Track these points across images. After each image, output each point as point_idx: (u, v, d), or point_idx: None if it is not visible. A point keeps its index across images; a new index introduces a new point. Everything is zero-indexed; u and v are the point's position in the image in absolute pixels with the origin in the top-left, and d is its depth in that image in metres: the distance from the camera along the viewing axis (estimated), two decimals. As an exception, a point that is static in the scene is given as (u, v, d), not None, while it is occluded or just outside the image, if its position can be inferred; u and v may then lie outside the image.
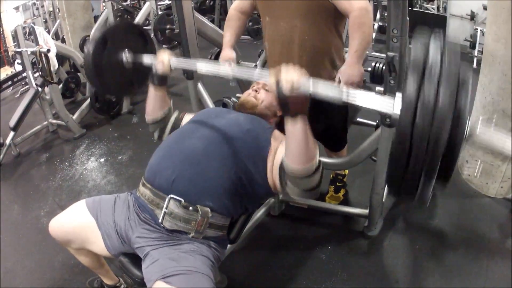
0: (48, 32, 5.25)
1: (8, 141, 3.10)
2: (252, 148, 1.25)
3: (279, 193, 1.66)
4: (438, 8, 5.07)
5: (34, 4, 8.76)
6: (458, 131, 0.67)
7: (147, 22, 4.78)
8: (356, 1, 1.44)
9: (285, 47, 1.62)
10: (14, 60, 6.91)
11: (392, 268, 1.76)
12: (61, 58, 3.63)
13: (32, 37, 3.01)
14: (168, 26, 3.77)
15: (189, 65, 1.39)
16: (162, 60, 1.31)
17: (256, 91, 1.52)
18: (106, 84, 1.46)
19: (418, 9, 5.28)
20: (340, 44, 1.68)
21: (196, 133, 1.31)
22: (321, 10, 1.53)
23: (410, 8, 4.55)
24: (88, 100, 3.56)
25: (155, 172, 1.25)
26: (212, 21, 5.36)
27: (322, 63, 1.65)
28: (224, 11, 5.62)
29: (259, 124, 1.35)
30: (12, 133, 3.10)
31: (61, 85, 3.67)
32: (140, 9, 4.33)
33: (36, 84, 3.12)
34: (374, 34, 4.24)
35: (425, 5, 5.34)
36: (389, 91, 1.37)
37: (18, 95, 5.01)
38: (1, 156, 3.04)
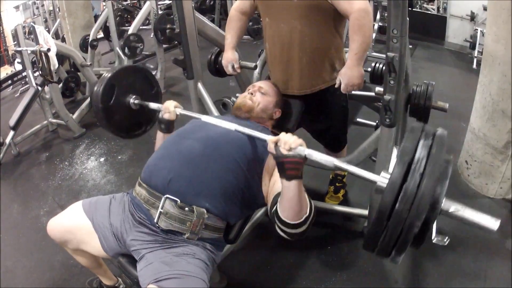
0: (48, 31, 5.25)
1: (8, 140, 3.10)
2: (249, 153, 1.26)
3: None
4: (438, 8, 5.07)
5: (34, 3, 8.78)
6: (432, 215, 0.79)
7: (147, 21, 4.79)
8: (356, 2, 1.43)
9: (285, 48, 1.62)
10: (14, 59, 6.92)
11: (392, 268, 1.76)
12: (61, 57, 3.62)
13: (32, 36, 3.01)
14: (168, 26, 3.76)
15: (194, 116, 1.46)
16: (168, 109, 1.42)
17: (252, 94, 1.53)
18: (115, 126, 1.61)
19: (418, 10, 5.28)
20: (340, 45, 1.68)
21: (195, 134, 1.31)
22: (321, 11, 1.52)
23: (410, 9, 4.55)
24: (88, 99, 3.55)
25: (152, 172, 1.26)
26: (212, 21, 5.36)
27: (322, 64, 1.65)
28: (224, 11, 5.61)
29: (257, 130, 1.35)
30: (12, 132, 3.10)
31: (61, 85, 3.66)
32: (140, 9, 4.33)
33: (36, 84, 3.12)
34: (374, 35, 4.24)
35: (425, 5, 5.34)
36: (389, 91, 1.37)
37: (18, 94, 5.02)
38: (1, 155, 3.04)
